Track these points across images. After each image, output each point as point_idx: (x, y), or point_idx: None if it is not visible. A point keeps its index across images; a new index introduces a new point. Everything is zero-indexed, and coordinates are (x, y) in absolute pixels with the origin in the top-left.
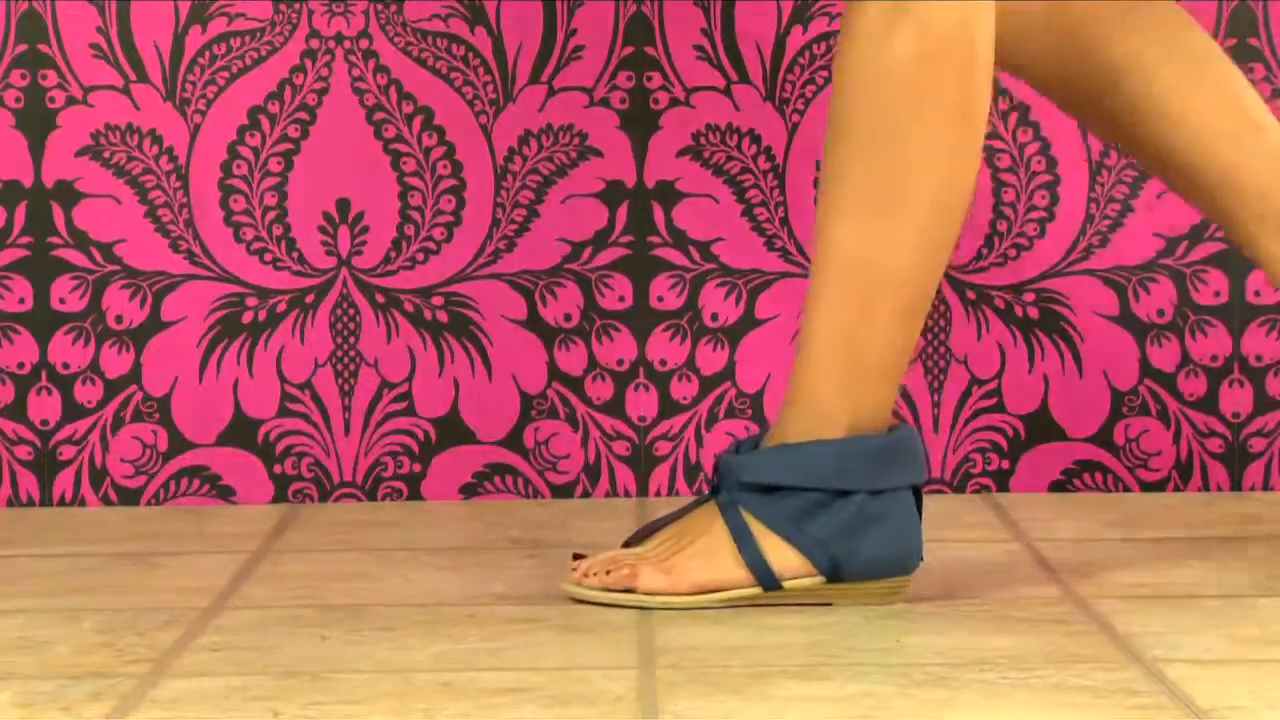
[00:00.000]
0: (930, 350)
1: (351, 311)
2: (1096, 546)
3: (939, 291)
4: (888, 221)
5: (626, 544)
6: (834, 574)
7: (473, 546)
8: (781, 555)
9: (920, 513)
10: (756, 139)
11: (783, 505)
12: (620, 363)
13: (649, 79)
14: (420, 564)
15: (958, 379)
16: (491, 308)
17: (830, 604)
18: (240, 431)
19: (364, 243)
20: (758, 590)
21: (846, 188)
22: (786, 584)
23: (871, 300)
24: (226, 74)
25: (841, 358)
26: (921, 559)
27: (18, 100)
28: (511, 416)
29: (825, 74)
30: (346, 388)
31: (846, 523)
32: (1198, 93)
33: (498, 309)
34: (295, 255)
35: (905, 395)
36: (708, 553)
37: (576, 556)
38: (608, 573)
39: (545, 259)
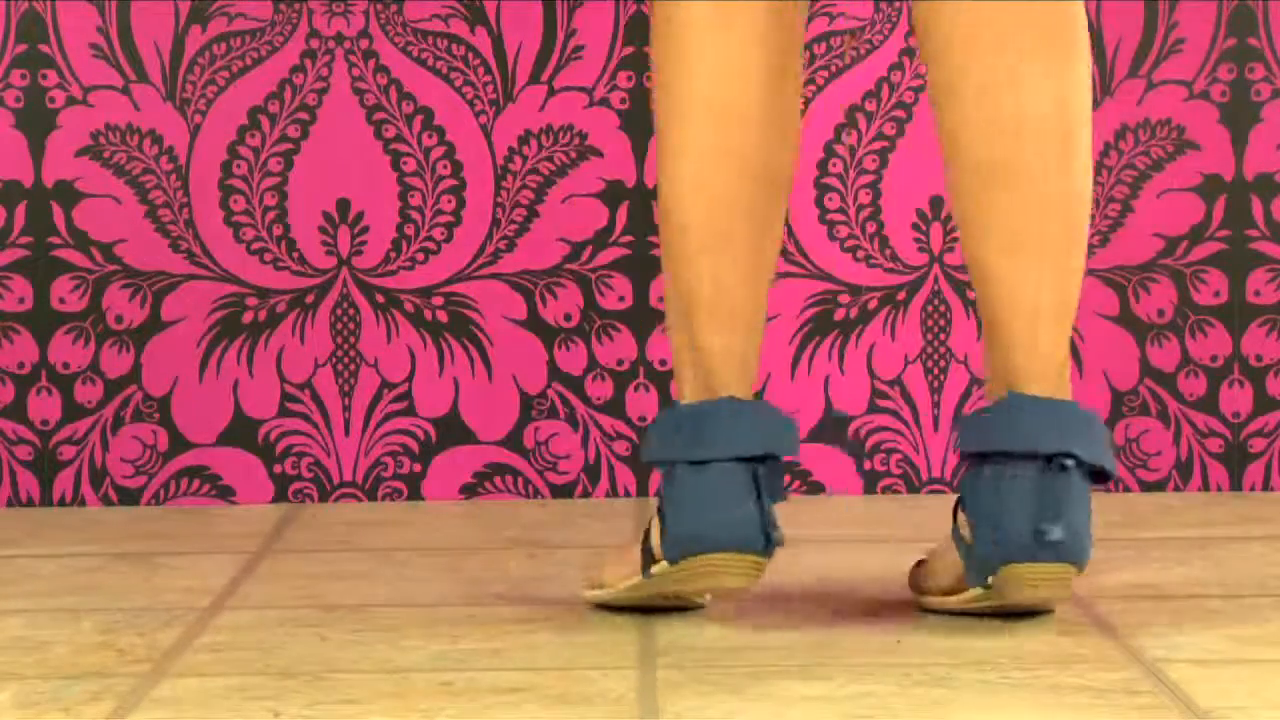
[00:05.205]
0: (930, 350)
1: (351, 311)
2: (1097, 546)
3: (939, 292)
4: (662, 154)
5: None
6: (668, 553)
7: (473, 546)
8: (656, 532)
9: (760, 488)
10: None
11: (665, 478)
12: (620, 363)
13: (649, 79)
14: (420, 564)
15: (958, 379)
16: (491, 308)
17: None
18: (240, 431)
19: (364, 243)
20: (638, 579)
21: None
22: (653, 569)
23: (669, 237)
24: (226, 74)
25: (672, 306)
26: (752, 538)
27: (18, 100)
28: (511, 416)
29: (825, 74)
30: (346, 388)
31: (672, 496)
32: None
33: (498, 309)
34: (295, 255)
35: (906, 395)
36: (640, 539)
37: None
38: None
39: (545, 259)
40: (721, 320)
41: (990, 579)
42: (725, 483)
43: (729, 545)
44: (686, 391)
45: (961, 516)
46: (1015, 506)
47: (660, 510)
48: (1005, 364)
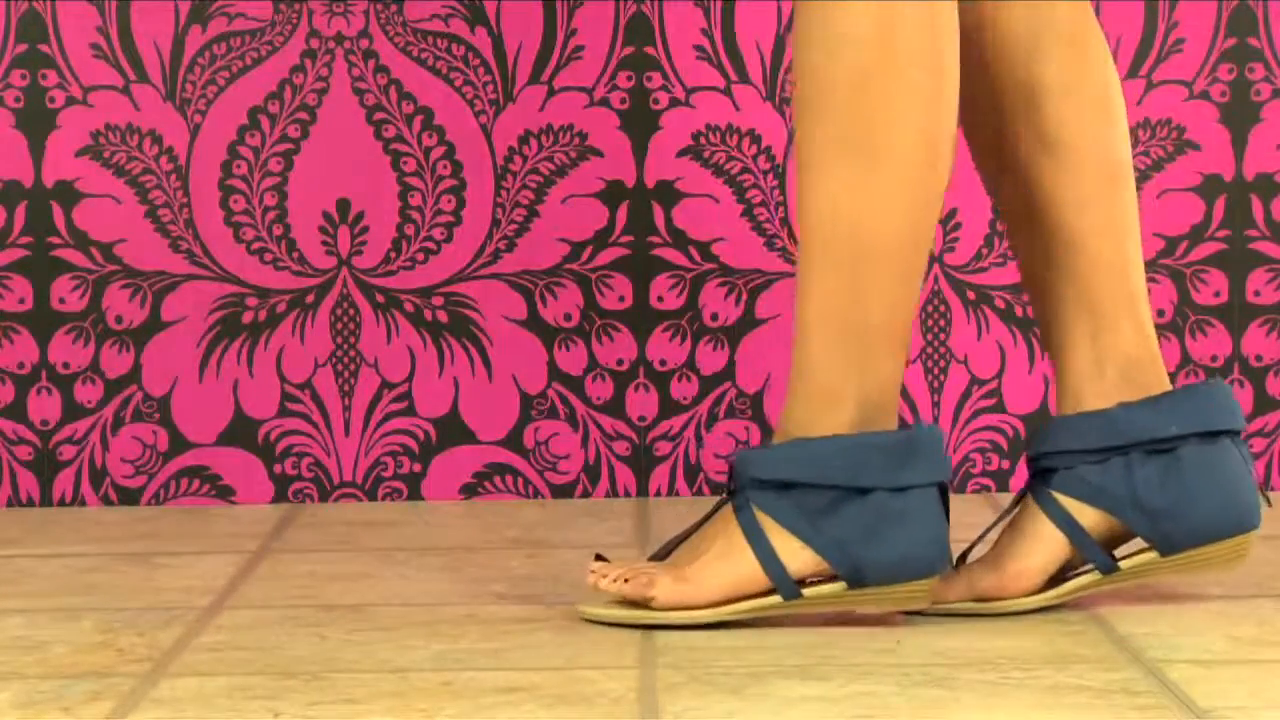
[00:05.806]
0: (930, 350)
1: (351, 311)
2: None
3: (939, 292)
4: (870, 176)
5: (651, 560)
6: (855, 577)
7: (473, 546)
8: (797, 556)
9: (947, 513)
10: (756, 139)
11: (799, 502)
12: (620, 363)
13: (649, 79)
14: (420, 564)
15: (958, 379)
16: (491, 308)
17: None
18: (240, 431)
19: (364, 243)
20: (777, 600)
21: (824, 148)
22: (806, 591)
23: (863, 263)
24: (226, 74)
25: (840, 330)
26: (949, 561)
27: (18, 100)
28: (511, 416)
29: None
30: (346, 388)
31: (868, 522)
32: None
33: (498, 309)
34: (295, 255)
35: (905, 395)
36: (723, 557)
37: (599, 558)
38: (626, 580)
39: (545, 259)
40: (896, 348)
41: (1189, 552)
42: (930, 508)
43: (934, 570)
44: (845, 418)
45: (1083, 507)
46: (1241, 480)
47: (806, 533)
48: (1131, 352)
